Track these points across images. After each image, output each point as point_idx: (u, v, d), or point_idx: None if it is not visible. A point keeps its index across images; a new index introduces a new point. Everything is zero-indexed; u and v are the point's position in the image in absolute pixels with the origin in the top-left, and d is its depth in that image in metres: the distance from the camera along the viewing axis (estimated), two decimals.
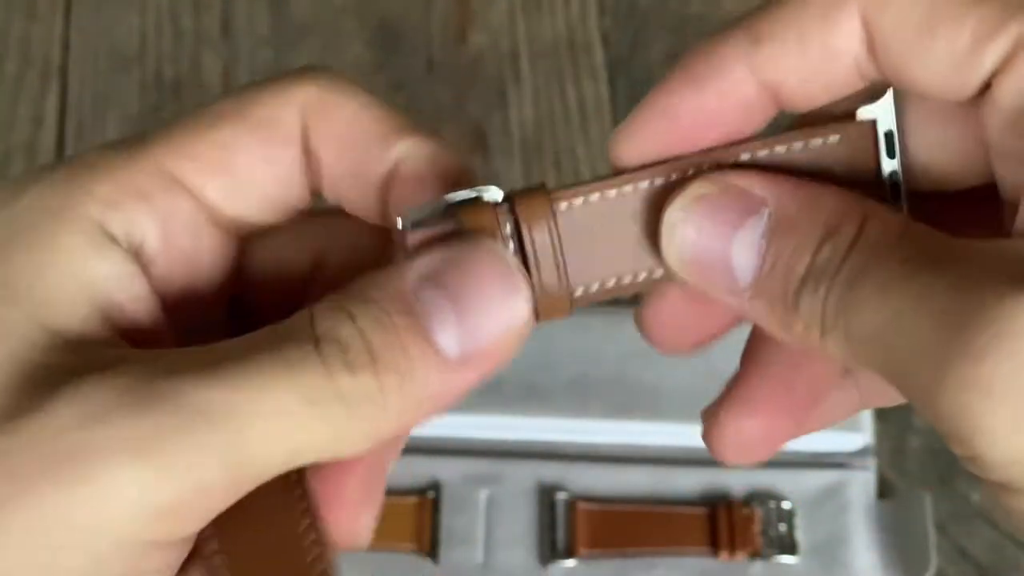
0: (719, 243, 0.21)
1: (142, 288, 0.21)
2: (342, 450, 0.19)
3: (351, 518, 0.23)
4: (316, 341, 0.19)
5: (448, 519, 0.53)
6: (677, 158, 0.22)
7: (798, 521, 0.54)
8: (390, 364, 0.19)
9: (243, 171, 0.21)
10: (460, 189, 0.22)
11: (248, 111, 0.21)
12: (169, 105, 0.64)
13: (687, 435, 0.55)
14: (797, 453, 0.55)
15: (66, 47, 0.65)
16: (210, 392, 0.18)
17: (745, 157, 0.22)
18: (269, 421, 0.18)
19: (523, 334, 0.21)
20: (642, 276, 0.23)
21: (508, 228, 0.22)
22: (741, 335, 0.57)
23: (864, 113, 0.23)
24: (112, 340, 0.20)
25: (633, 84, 0.65)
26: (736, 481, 0.55)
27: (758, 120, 0.22)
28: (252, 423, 0.18)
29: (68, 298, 0.20)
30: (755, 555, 0.53)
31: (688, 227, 0.21)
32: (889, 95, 0.23)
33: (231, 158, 0.21)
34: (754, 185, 0.21)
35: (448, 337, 0.19)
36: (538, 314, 0.22)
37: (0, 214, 0.20)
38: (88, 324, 0.20)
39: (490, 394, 0.56)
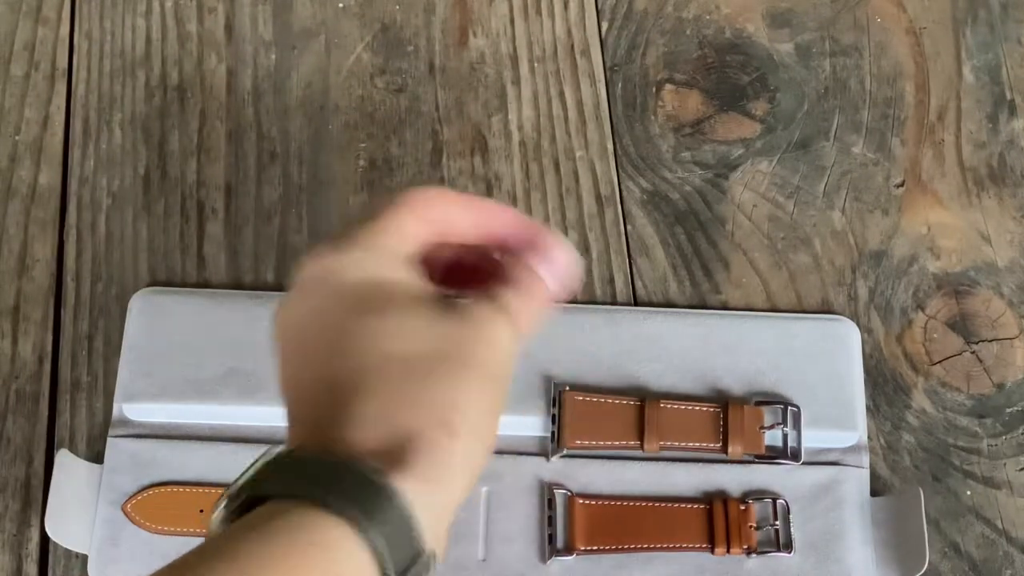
0: None
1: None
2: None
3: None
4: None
5: None
6: None
7: (793, 517, 0.55)
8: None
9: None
10: None
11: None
12: (174, 108, 0.64)
13: None
14: (792, 450, 0.56)
15: (72, 50, 0.66)
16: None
17: None
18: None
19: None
20: None
21: None
22: (738, 340, 0.58)
23: None
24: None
25: (631, 87, 0.66)
26: (732, 478, 0.55)
27: None
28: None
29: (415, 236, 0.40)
30: (751, 551, 0.54)
31: None
32: None
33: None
34: None
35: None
36: None
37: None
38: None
39: None
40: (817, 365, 0.58)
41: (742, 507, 0.54)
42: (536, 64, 0.66)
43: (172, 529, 0.53)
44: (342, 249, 0.38)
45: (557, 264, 0.40)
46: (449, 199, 0.40)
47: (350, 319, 0.37)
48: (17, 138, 0.63)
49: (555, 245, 0.41)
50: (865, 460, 0.56)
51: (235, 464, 0.54)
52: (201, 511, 0.54)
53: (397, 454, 0.35)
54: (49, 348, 0.58)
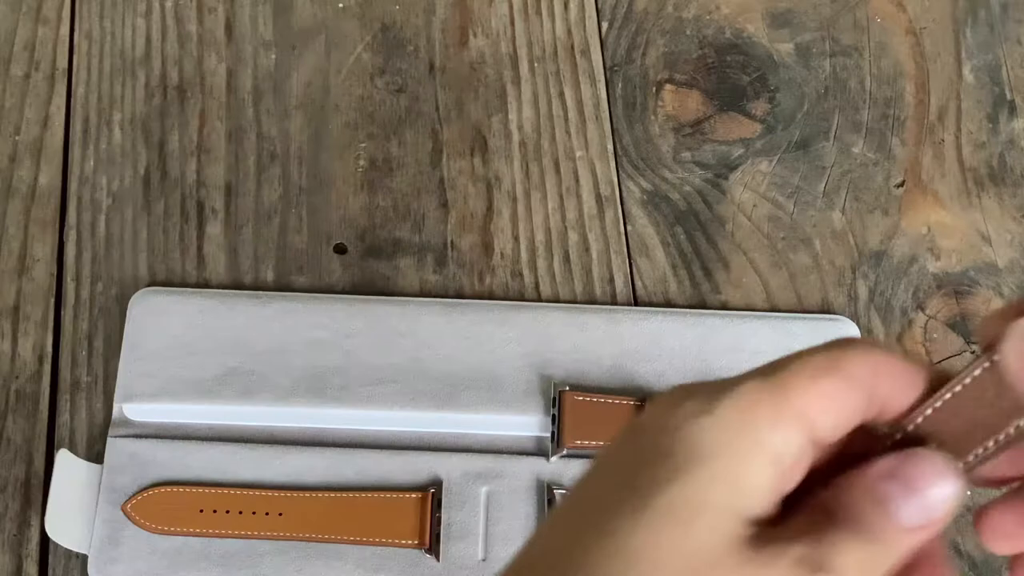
0: None
1: (779, 484, 0.27)
2: None
3: None
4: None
5: (449, 515, 0.54)
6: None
7: None
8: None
9: (838, 410, 0.27)
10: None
11: (839, 368, 0.27)
12: (174, 108, 0.64)
13: None
14: None
15: (72, 50, 0.66)
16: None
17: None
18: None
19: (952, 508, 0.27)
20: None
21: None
22: (738, 340, 0.57)
23: None
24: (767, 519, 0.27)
25: (631, 87, 0.66)
26: None
27: None
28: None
29: (759, 492, 0.26)
30: None
31: None
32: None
33: (832, 402, 0.27)
34: None
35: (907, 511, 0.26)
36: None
37: (704, 421, 0.27)
38: (764, 512, 0.27)
39: (489, 392, 0.56)
40: None
41: None
42: (536, 64, 0.66)
43: (172, 529, 0.53)
44: (703, 398, 0.27)
45: (922, 498, 0.26)
46: (897, 371, 0.28)
47: (621, 508, 0.26)
48: (17, 138, 0.63)
49: (930, 468, 0.27)
50: None
51: (235, 464, 0.55)
52: (201, 511, 0.54)
53: None
54: (49, 348, 0.59)
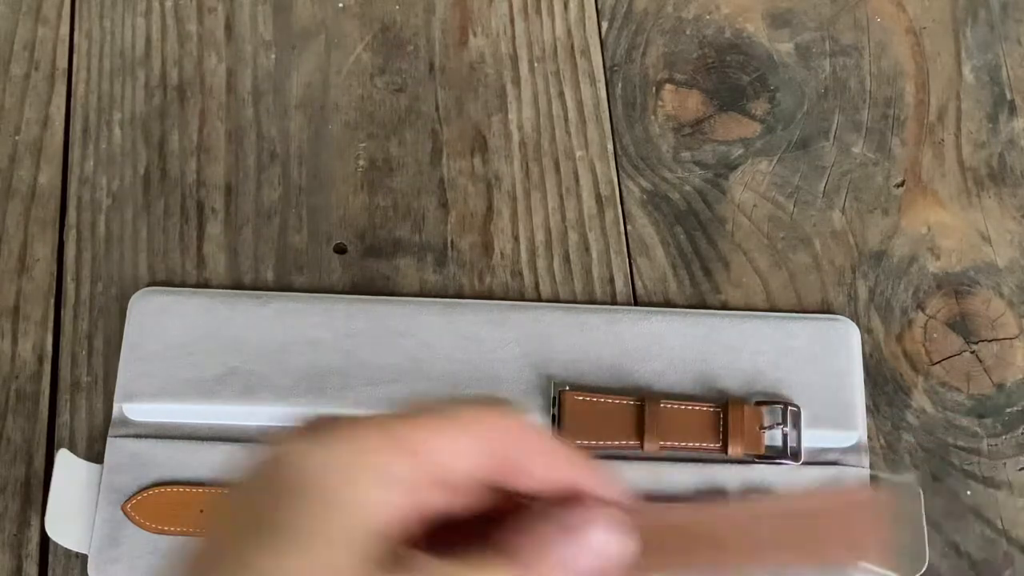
0: None
1: (403, 506, 0.29)
2: None
3: None
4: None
5: None
6: None
7: None
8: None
9: (458, 454, 0.30)
10: None
11: (454, 419, 0.30)
12: (174, 108, 0.64)
13: None
14: (792, 450, 0.56)
15: (72, 50, 0.66)
16: None
17: None
18: None
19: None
20: None
21: None
22: (738, 340, 0.57)
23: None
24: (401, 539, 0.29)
25: (631, 87, 0.66)
26: (730, 478, 0.56)
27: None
28: None
29: (377, 514, 0.28)
30: None
31: None
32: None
33: (447, 444, 0.30)
34: None
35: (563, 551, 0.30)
36: None
37: (316, 453, 0.29)
38: (388, 532, 0.29)
39: (489, 392, 0.56)
40: (817, 365, 0.58)
41: None
42: (536, 64, 0.66)
43: (172, 529, 0.53)
44: (318, 435, 0.30)
45: (580, 540, 0.30)
46: (529, 437, 0.30)
47: (251, 539, 0.28)
48: (17, 138, 0.63)
49: (592, 517, 0.30)
50: (865, 460, 0.56)
51: (235, 464, 0.55)
52: (201, 511, 0.54)
53: None
54: (49, 348, 0.59)
